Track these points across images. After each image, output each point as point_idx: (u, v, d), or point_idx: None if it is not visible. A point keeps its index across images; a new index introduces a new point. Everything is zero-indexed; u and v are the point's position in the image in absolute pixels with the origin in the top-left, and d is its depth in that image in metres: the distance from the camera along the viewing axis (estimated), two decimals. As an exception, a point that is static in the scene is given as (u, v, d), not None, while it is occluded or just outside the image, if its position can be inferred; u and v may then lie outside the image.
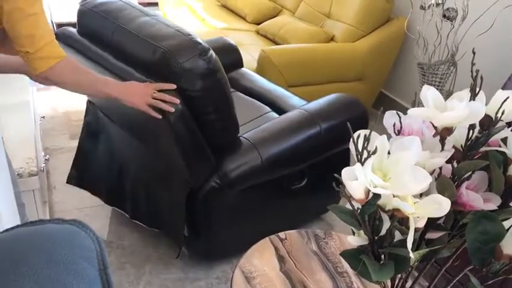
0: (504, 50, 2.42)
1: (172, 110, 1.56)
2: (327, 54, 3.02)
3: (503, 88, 2.06)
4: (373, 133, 0.71)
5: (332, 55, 3.03)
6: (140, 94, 1.54)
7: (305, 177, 2.07)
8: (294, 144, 1.91)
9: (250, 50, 3.15)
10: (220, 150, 1.80)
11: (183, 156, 1.70)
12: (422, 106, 2.65)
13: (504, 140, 0.84)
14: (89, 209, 2.36)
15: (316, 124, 1.96)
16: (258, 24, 3.64)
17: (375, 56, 3.06)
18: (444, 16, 2.44)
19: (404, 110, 2.97)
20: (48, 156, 2.59)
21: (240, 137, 1.87)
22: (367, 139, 0.69)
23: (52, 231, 0.53)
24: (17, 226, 0.55)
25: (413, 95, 3.22)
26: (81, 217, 2.29)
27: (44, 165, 2.25)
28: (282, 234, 1.53)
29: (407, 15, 2.74)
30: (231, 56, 2.60)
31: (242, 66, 2.67)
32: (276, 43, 3.31)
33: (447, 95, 2.78)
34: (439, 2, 2.46)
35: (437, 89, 2.67)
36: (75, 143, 2.92)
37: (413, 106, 2.72)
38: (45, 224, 0.55)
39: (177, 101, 1.57)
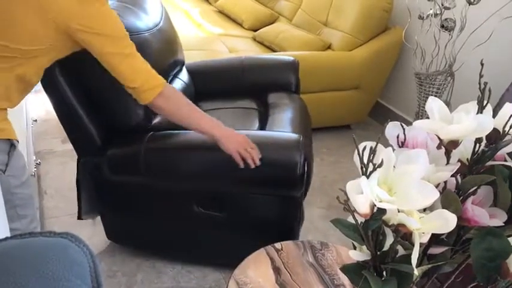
0: (502, 61, 2.42)
1: (253, 166, 1.64)
2: (324, 62, 3.01)
3: (501, 99, 2.05)
4: (379, 146, 0.68)
5: (329, 63, 3.02)
6: (238, 143, 1.63)
7: (223, 209, 1.87)
8: (186, 159, 1.79)
9: (247, 57, 3.13)
10: (116, 135, 1.84)
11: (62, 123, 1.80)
12: (422, 117, 2.63)
13: (510, 154, 0.83)
14: (80, 215, 2.32)
15: (216, 152, 1.67)
16: (255, 30, 3.63)
17: (372, 65, 3.05)
18: (442, 26, 2.44)
19: (401, 120, 2.96)
20: (39, 160, 2.55)
21: (152, 133, 1.84)
22: (373, 152, 0.66)
23: (43, 245, 0.50)
24: (6, 238, 0.52)
25: (410, 104, 3.24)
26: (73, 223, 2.25)
27: (35, 169, 2.21)
28: (277, 245, 1.50)
29: (405, 24, 2.73)
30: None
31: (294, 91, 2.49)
32: (273, 50, 3.29)
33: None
34: (437, 12, 2.45)
35: (434, 99, 2.66)
36: (67, 147, 2.89)
37: (417, 118, 2.71)
38: (36, 237, 0.52)
39: (258, 162, 1.65)
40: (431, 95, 2.56)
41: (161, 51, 2.05)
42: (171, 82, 2.18)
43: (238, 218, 1.89)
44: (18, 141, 1.41)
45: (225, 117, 1.91)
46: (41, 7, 1.32)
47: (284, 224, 1.88)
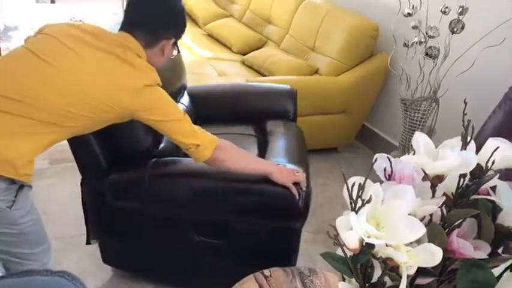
0: (484, 88, 2.48)
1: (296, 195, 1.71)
2: (312, 87, 3.06)
3: (484, 126, 2.10)
4: (368, 181, 0.71)
5: (316, 88, 3.07)
6: (289, 175, 1.73)
7: (223, 237, 1.89)
8: (187, 187, 1.81)
9: (236, 80, 3.17)
10: (121, 160, 1.87)
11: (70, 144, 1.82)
12: (407, 142, 2.64)
13: (493, 188, 0.85)
14: (69, 238, 2.30)
15: (217, 181, 1.76)
16: (244, 54, 3.68)
17: (358, 89, 3.11)
18: (427, 54, 2.50)
19: (387, 143, 3.00)
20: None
21: (156, 159, 1.86)
22: (361, 188, 0.68)
23: (41, 285, 0.51)
24: (3, 277, 0.53)
25: (395, 128, 3.26)
26: (62, 246, 2.24)
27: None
28: (266, 271, 1.50)
29: (390, 51, 2.79)
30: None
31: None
32: (262, 74, 3.33)
33: (429, 131, 2.80)
34: (422, 40, 2.51)
35: (419, 124, 2.72)
36: (55, 169, 2.88)
37: (402, 142, 2.72)
38: (32, 276, 0.53)
39: (304, 185, 1.76)
40: (417, 120, 2.62)
41: (171, 76, 2.12)
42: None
43: (238, 246, 1.90)
44: (31, 186, 1.47)
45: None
46: (115, 89, 1.46)
47: (283, 254, 1.89)
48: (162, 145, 1.97)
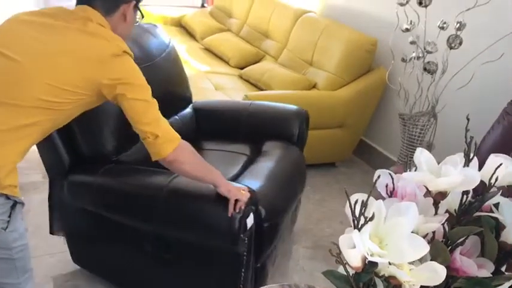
0: (483, 104, 2.48)
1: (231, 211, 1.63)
2: (309, 101, 3.05)
3: (482, 141, 2.10)
4: (370, 198, 0.69)
5: (314, 102, 3.06)
6: (235, 189, 1.66)
7: (173, 250, 1.83)
8: (129, 191, 1.79)
9: (233, 94, 3.17)
10: (83, 162, 1.88)
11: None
12: (406, 157, 2.62)
13: (496, 205, 0.84)
14: (61, 254, 2.26)
15: (161, 188, 1.71)
16: (241, 68, 3.68)
17: (356, 104, 3.11)
18: (425, 69, 2.50)
19: (385, 158, 2.98)
20: (22, 198, 2.50)
21: (111, 165, 1.86)
22: (364, 205, 0.67)
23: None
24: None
25: (393, 143, 3.25)
26: (53, 263, 2.20)
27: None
28: (264, 289, 1.48)
29: (388, 66, 2.80)
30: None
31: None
32: (259, 88, 3.33)
33: (427, 146, 2.79)
34: (420, 55, 2.52)
35: (417, 140, 2.72)
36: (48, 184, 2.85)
37: (400, 157, 2.69)
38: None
39: (251, 218, 1.68)
40: (415, 135, 2.62)
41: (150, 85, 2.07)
42: (167, 118, 2.20)
43: (184, 262, 1.84)
44: (23, 204, 1.42)
45: (212, 159, 1.91)
46: (80, 63, 1.39)
47: (230, 280, 1.79)
48: (126, 152, 1.96)
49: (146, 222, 1.78)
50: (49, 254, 2.27)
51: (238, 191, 1.66)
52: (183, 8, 5.36)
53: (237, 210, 1.62)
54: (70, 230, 2.05)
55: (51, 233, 2.05)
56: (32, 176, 2.91)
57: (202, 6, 5.85)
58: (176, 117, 2.30)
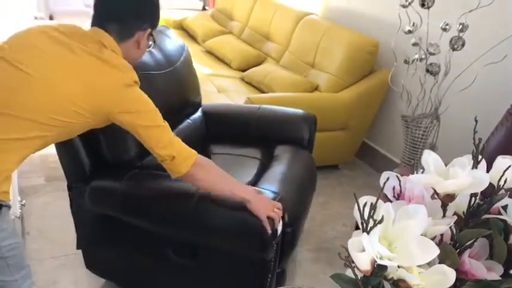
0: (486, 105, 2.48)
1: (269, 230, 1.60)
2: (311, 103, 3.04)
3: (486, 143, 2.09)
4: (379, 201, 0.69)
5: (316, 104, 3.05)
6: (267, 207, 1.61)
7: (196, 256, 1.82)
8: (157, 204, 1.77)
9: (236, 97, 3.17)
10: (105, 167, 1.87)
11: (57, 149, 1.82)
12: (408, 159, 2.61)
13: (505, 207, 0.84)
14: (64, 258, 2.26)
15: (189, 198, 1.70)
16: (243, 71, 3.68)
17: (358, 106, 3.10)
18: (427, 71, 2.49)
19: (388, 161, 2.97)
20: (24, 201, 2.50)
21: (136, 171, 1.85)
22: (373, 208, 0.67)
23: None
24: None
25: (396, 145, 3.24)
26: (57, 266, 2.20)
27: (20, 211, 2.17)
28: (269, 291, 1.47)
29: (391, 68, 2.79)
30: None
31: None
32: (261, 91, 3.33)
33: (430, 148, 2.79)
34: (423, 57, 2.52)
35: (420, 141, 2.71)
36: (51, 186, 2.85)
37: (403, 159, 2.68)
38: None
39: (280, 225, 1.65)
40: (418, 137, 2.61)
41: (171, 91, 2.09)
42: (181, 122, 2.22)
43: (208, 269, 1.82)
44: (10, 206, 1.40)
45: (224, 163, 1.89)
46: (91, 89, 1.39)
47: (252, 286, 1.80)
48: (149, 157, 1.93)
49: (175, 228, 1.76)
50: (53, 257, 2.26)
51: (269, 206, 1.62)
52: (184, 10, 5.36)
53: (273, 229, 1.60)
54: (87, 235, 2.01)
55: (79, 248, 2.00)
56: (33, 180, 2.91)
57: (204, 9, 5.86)
58: (189, 120, 2.31)
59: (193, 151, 1.55)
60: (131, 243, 1.93)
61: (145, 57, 1.88)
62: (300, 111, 2.47)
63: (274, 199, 1.72)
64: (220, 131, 2.43)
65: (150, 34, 1.57)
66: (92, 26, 1.50)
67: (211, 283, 1.85)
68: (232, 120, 2.48)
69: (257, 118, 2.43)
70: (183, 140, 1.58)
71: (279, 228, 1.65)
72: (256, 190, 1.72)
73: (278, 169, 2.08)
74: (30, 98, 1.35)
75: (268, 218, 1.59)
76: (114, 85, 1.41)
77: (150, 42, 1.62)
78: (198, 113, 2.40)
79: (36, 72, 1.36)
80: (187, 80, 2.29)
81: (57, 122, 1.37)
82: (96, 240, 2.01)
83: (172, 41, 2.25)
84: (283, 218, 1.71)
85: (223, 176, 1.63)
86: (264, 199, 1.65)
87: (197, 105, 2.41)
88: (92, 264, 2.07)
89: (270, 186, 1.89)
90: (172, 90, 2.10)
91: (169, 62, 2.09)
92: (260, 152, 2.28)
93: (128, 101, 1.43)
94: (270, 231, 1.59)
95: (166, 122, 1.52)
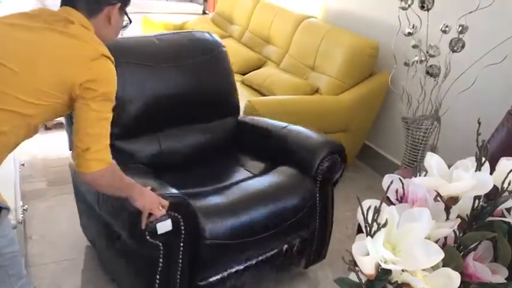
0: (486, 106, 2.48)
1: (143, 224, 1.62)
2: (312, 106, 3.05)
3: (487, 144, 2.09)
4: (383, 204, 0.69)
5: (316, 107, 3.06)
6: (151, 202, 1.61)
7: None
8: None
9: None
10: None
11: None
12: (409, 161, 2.60)
13: (508, 210, 0.83)
14: (67, 262, 2.26)
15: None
16: (243, 74, 3.68)
17: (359, 108, 3.10)
18: (427, 73, 2.50)
19: (388, 162, 2.96)
20: (26, 206, 2.49)
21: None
22: (377, 211, 0.67)
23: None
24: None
25: (397, 147, 3.23)
26: (59, 271, 2.19)
27: (22, 216, 2.16)
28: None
29: (391, 70, 2.79)
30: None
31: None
32: (261, 93, 3.33)
33: (431, 150, 2.79)
34: (423, 59, 2.52)
35: (421, 143, 2.71)
36: (53, 191, 2.85)
37: (404, 161, 2.67)
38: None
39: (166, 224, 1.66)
40: (419, 139, 2.61)
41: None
42: (209, 121, 2.42)
43: (121, 253, 1.93)
44: (9, 209, 1.36)
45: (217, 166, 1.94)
46: (57, 63, 1.35)
47: (143, 284, 1.88)
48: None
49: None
50: (55, 261, 2.26)
51: (155, 206, 1.61)
52: (184, 15, 5.37)
53: (152, 225, 1.61)
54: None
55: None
56: (36, 184, 2.91)
57: (204, 13, 5.87)
58: (217, 122, 2.42)
59: (112, 161, 1.45)
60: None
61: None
62: (322, 137, 2.30)
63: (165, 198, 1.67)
64: (244, 140, 2.49)
65: (122, 9, 1.52)
66: (61, 5, 1.47)
67: (122, 267, 1.96)
68: (256, 134, 2.49)
69: (278, 136, 2.34)
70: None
71: (162, 227, 1.63)
72: (144, 188, 1.66)
73: (249, 184, 2.10)
74: (10, 86, 1.30)
75: (150, 213, 1.61)
76: (77, 55, 1.36)
77: (125, 22, 1.57)
78: (232, 119, 2.50)
79: (6, 60, 1.31)
80: (220, 79, 2.48)
81: (29, 106, 1.32)
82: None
83: (212, 38, 2.50)
84: (174, 217, 1.68)
85: (121, 187, 1.57)
86: (150, 196, 1.63)
87: (234, 110, 2.53)
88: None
89: (217, 197, 1.95)
90: (204, 79, 2.34)
91: (204, 50, 2.40)
92: (260, 168, 2.28)
93: (91, 72, 1.36)
94: (143, 226, 1.60)
95: (111, 116, 1.43)
